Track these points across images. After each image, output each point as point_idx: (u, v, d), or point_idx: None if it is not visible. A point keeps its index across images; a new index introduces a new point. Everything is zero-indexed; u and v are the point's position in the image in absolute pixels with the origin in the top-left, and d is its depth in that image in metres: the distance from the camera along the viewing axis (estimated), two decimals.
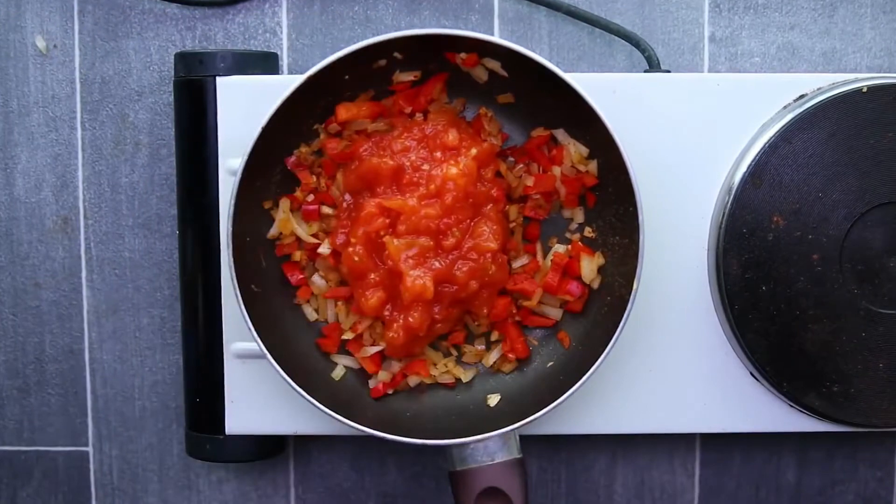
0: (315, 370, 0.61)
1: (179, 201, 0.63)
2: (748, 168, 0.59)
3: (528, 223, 0.62)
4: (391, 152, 0.58)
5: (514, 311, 0.62)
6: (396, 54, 0.58)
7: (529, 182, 0.60)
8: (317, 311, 0.62)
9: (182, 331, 0.64)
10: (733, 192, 0.59)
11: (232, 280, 0.56)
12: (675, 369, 0.62)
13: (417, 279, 0.57)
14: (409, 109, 0.60)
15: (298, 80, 0.55)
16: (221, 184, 0.61)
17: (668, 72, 0.63)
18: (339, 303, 0.61)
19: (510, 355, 0.62)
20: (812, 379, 0.60)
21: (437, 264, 0.57)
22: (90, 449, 0.69)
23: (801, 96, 0.60)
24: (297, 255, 0.61)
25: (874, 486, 0.68)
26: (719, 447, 0.68)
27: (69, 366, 0.68)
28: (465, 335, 0.62)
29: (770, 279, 0.59)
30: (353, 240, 0.58)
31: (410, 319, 0.58)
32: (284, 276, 0.61)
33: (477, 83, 0.60)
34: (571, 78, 0.55)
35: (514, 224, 0.61)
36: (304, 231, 0.60)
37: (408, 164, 0.58)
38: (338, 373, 0.61)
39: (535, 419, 0.56)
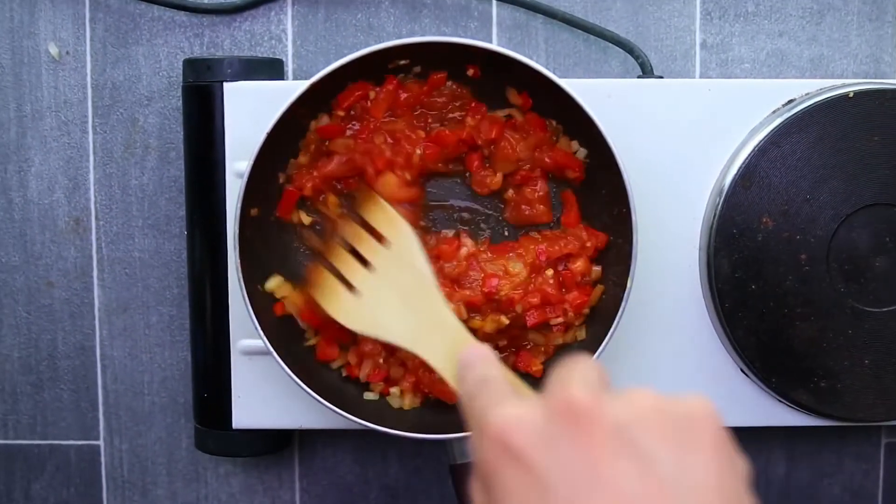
0: (319, 366, 0.61)
1: (188, 203, 0.64)
2: (738, 171, 0.59)
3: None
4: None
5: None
6: (400, 62, 0.58)
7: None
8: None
9: (190, 328, 0.65)
10: (724, 193, 0.59)
11: (238, 280, 0.56)
12: (668, 365, 0.62)
13: None
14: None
15: (303, 85, 0.56)
16: (228, 186, 0.61)
17: (661, 77, 0.64)
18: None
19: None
20: (800, 375, 0.60)
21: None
22: (101, 443, 0.69)
23: (790, 101, 0.61)
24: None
25: (860, 478, 0.69)
26: None
27: (81, 362, 0.69)
28: None
29: (759, 278, 0.60)
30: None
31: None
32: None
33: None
34: (567, 83, 0.56)
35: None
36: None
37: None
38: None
39: None
